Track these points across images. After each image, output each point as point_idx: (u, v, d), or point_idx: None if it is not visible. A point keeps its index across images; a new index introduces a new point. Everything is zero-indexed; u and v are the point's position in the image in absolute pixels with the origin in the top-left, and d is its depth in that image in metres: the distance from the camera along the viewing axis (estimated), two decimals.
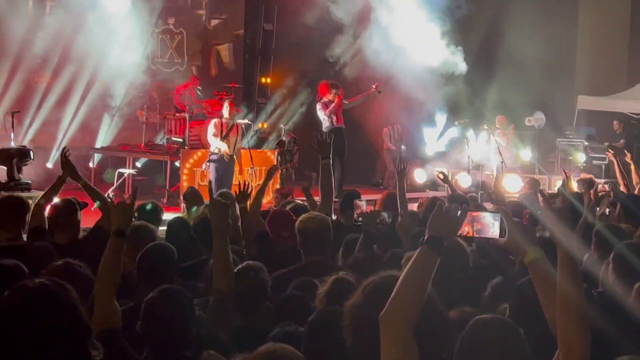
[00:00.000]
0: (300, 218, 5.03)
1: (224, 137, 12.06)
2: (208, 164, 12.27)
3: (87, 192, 5.81)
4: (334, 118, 13.48)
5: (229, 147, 12.10)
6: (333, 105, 13.41)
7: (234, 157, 12.29)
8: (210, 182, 11.32)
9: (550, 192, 10.72)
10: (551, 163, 17.03)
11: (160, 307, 3.40)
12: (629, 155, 10.06)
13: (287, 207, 6.56)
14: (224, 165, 12.08)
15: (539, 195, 3.01)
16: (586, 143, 17.44)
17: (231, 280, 3.88)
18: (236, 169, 12.48)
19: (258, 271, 4.14)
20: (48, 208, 5.65)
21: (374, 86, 14.02)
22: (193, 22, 17.75)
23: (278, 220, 5.63)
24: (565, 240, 2.75)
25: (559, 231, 2.77)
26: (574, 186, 9.63)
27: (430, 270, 2.60)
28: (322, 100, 13.59)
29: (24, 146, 10.91)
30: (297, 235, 4.95)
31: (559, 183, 13.47)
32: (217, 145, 12.03)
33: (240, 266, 4.13)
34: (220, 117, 12.35)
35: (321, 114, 13.50)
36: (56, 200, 5.98)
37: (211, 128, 12.11)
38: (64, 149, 6.18)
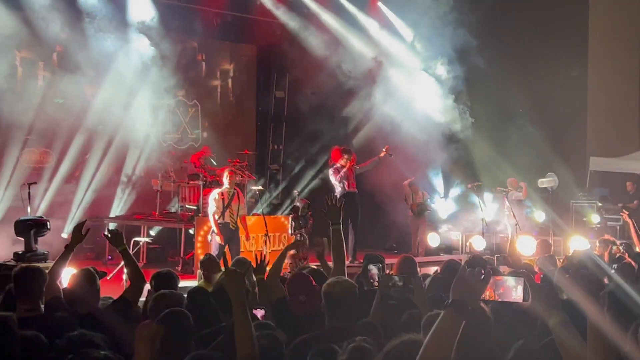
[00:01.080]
0: (328, 282, 5.00)
1: (226, 207, 12.10)
2: (211, 235, 12.24)
3: (123, 258, 5.83)
4: (346, 183, 13.63)
5: (232, 216, 12.14)
6: (344, 170, 13.55)
7: (238, 224, 12.29)
8: (220, 248, 11.58)
9: (565, 255, 10.66)
10: (565, 225, 16.98)
11: None
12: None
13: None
14: (230, 234, 12.09)
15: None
16: (600, 204, 17.41)
17: (254, 349, 3.86)
18: (242, 235, 12.50)
19: (274, 338, 4.12)
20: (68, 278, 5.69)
21: (384, 149, 14.13)
22: (208, 94, 17.92)
23: (296, 284, 5.61)
24: (584, 304, 2.76)
25: (577, 295, 2.79)
26: (597, 248, 9.64)
27: (454, 334, 2.60)
28: (334, 166, 13.74)
29: (41, 217, 10.98)
30: (323, 298, 4.93)
31: (572, 244, 13.42)
32: (218, 214, 12.02)
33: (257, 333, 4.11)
34: (221, 187, 12.40)
35: (333, 180, 13.68)
36: (74, 270, 6.01)
37: (212, 204, 12.11)
38: (84, 222, 6.23)
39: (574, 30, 18.96)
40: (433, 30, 17.24)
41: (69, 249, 6.00)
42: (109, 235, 5.90)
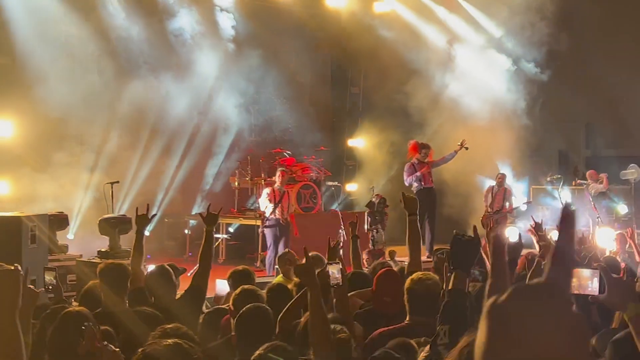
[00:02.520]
0: (412, 277, 5.02)
1: (277, 204, 12.68)
2: (262, 229, 12.95)
3: (205, 237, 5.96)
4: (422, 180, 13.60)
5: (282, 212, 12.72)
6: (417, 175, 13.59)
7: (288, 220, 12.90)
8: (272, 242, 12.29)
9: None
10: None
11: None
12: None
13: (379, 268, 6.62)
14: (280, 230, 12.66)
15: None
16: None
17: (329, 343, 3.93)
18: (291, 232, 13.11)
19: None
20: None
21: (459, 144, 14.07)
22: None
23: (386, 283, 5.58)
24: None
25: None
26: None
27: None
28: (411, 161, 13.74)
29: (124, 215, 11.29)
30: (405, 294, 4.95)
31: None
32: (269, 210, 12.70)
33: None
34: (272, 185, 13.08)
35: (405, 177, 13.68)
36: (152, 267, 6.23)
37: (264, 197, 12.90)
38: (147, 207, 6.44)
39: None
40: (512, 22, 17.07)
41: (139, 234, 6.22)
42: (205, 214, 6.06)
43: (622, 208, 16.31)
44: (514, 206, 15.89)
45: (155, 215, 6.30)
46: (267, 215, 12.71)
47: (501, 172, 16.03)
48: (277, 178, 13.04)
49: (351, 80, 18.84)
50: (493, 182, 16.01)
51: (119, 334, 4.44)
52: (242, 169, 15.42)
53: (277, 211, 12.72)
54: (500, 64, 17.65)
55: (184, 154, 15.32)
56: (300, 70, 17.50)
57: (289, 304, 5.18)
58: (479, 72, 17.52)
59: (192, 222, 15.09)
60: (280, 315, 5.07)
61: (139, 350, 3.12)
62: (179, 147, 15.25)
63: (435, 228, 13.80)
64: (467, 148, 14.10)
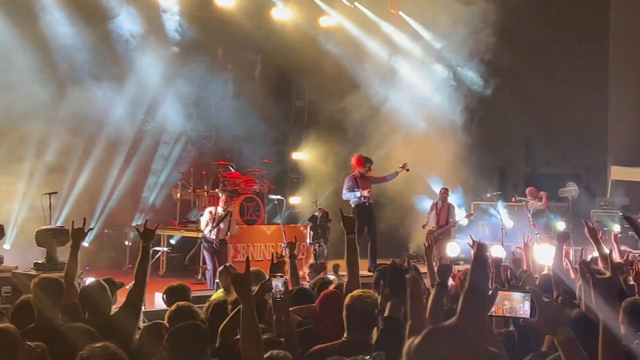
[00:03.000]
0: (352, 294, 5.02)
1: (214, 226, 12.86)
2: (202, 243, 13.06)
3: (141, 254, 5.88)
4: (362, 193, 13.72)
5: (219, 233, 12.90)
6: (356, 194, 13.80)
7: (225, 242, 13.08)
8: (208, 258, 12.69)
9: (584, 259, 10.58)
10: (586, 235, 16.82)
11: None
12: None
13: (319, 283, 6.63)
14: (213, 251, 12.91)
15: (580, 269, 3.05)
16: (621, 214, 17.27)
17: (260, 353, 3.91)
18: (230, 254, 13.37)
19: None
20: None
21: (401, 166, 14.24)
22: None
23: (329, 304, 5.55)
24: (605, 315, 2.76)
25: (599, 305, 2.79)
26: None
27: None
28: (353, 174, 13.81)
29: (62, 226, 11.06)
30: (344, 310, 4.95)
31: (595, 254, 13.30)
32: (207, 230, 12.90)
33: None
34: (215, 207, 13.21)
35: (344, 192, 13.75)
36: (89, 280, 6.15)
37: (205, 217, 13.09)
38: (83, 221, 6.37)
39: (594, 39, 18.90)
40: (455, 35, 17.35)
41: (74, 248, 6.16)
42: (142, 229, 5.98)
43: (560, 225, 16.64)
44: (456, 220, 16.11)
45: (91, 229, 6.21)
46: (205, 234, 12.85)
47: (444, 187, 16.19)
48: (221, 202, 13.09)
49: (296, 93, 18.87)
50: (428, 199, 16.24)
51: (52, 350, 4.35)
52: (184, 181, 15.30)
53: (213, 232, 12.85)
54: (441, 77, 17.92)
55: (125, 163, 15.12)
56: (245, 81, 17.45)
57: (227, 317, 5.15)
58: (421, 86, 17.79)
59: (132, 233, 14.87)
60: (220, 329, 5.04)
61: None
62: (120, 157, 15.04)
63: (377, 242, 13.88)
64: (408, 170, 14.28)
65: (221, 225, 12.90)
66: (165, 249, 14.43)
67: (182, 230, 14.83)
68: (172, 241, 14.99)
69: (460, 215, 16.57)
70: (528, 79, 18.10)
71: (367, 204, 13.88)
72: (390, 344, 3.48)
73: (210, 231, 12.80)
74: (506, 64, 17.37)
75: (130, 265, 13.85)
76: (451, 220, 15.95)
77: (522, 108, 17.94)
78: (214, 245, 12.85)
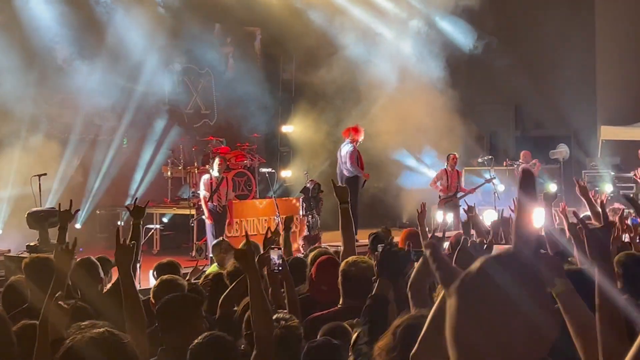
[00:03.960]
0: (347, 260, 5.03)
1: (213, 192, 12.73)
2: (195, 218, 13.20)
3: (132, 231, 5.87)
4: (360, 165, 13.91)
5: (219, 199, 12.75)
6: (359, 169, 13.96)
7: (225, 208, 12.97)
8: (211, 229, 12.55)
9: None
10: (577, 195, 16.86)
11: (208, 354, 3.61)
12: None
13: (313, 254, 6.61)
14: (217, 217, 12.76)
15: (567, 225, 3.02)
16: (612, 173, 17.32)
17: (270, 325, 3.92)
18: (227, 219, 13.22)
19: (288, 321, 4.17)
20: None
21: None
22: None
23: (325, 271, 5.56)
24: (600, 267, 2.74)
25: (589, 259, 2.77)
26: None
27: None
28: (355, 147, 13.89)
29: (53, 207, 10.99)
30: (340, 276, 4.95)
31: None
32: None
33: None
34: (209, 172, 13.08)
35: (348, 161, 13.83)
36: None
37: (202, 187, 12.90)
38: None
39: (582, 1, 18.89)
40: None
41: (61, 230, 6.09)
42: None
43: (552, 187, 16.66)
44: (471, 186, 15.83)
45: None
46: (207, 201, 12.73)
47: (452, 153, 15.76)
48: (215, 165, 12.94)
49: (282, 66, 18.74)
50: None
51: None
52: (174, 158, 15.23)
53: (214, 198, 12.73)
54: (427, 40, 17.81)
55: (116, 142, 15.02)
56: (234, 55, 17.33)
57: (228, 289, 5.15)
58: (406, 50, 17.68)
59: (124, 213, 14.78)
60: (220, 301, 5.03)
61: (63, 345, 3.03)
62: (108, 135, 14.94)
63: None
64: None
65: (220, 189, 12.84)
66: (159, 226, 14.37)
67: (174, 208, 14.77)
68: (165, 219, 14.94)
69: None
70: (517, 42, 18.04)
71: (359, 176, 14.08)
72: (374, 320, 3.52)
73: (211, 197, 12.72)
74: (494, 26, 17.32)
75: None
76: (459, 185, 15.69)
77: (510, 70, 17.87)
78: (217, 210, 12.77)
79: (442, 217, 15.16)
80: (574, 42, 18.39)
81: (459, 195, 15.19)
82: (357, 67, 17.06)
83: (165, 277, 5.31)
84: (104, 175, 14.77)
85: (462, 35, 17.87)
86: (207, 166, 14.38)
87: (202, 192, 12.86)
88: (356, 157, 14.00)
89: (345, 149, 14.10)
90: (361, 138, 14.15)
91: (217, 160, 13.03)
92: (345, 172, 13.94)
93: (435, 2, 17.42)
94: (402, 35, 17.78)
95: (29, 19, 13.69)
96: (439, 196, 15.24)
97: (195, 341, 3.73)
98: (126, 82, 14.97)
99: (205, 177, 12.99)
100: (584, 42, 18.73)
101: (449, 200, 15.14)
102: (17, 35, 13.41)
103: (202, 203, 12.85)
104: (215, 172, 12.88)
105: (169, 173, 15.05)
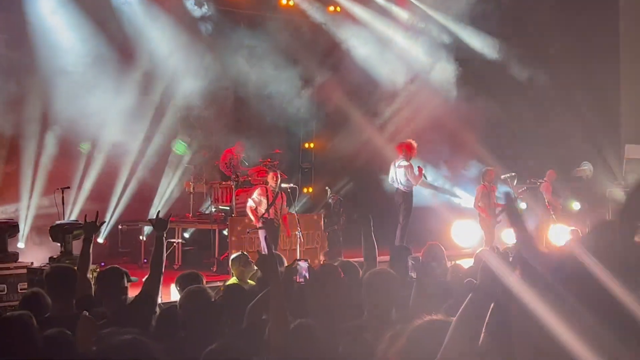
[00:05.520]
0: (371, 271, 5.09)
1: (270, 205, 12.46)
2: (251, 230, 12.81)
3: (155, 243, 5.87)
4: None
5: (276, 213, 12.54)
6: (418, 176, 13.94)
7: (280, 222, 12.74)
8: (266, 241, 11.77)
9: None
10: (602, 214, 16.72)
11: None
12: None
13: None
14: (273, 231, 12.48)
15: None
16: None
17: (287, 337, 3.90)
18: (282, 234, 12.96)
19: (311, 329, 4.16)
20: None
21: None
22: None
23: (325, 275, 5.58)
24: None
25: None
26: None
27: (483, 315, 2.59)
28: (409, 161, 13.97)
29: (76, 220, 11.06)
30: (363, 287, 4.97)
31: None
32: (263, 209, 12.45)
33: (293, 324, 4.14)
34: (265, 184, 12.82)
35: (409, 175, 13.93)
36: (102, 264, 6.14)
37: (256, 197, 12.57)
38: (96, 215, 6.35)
39: (605, 12, 18.78)
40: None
41: (86, 241, 6.13)
42: (155, 219, 5.96)
43: (575, 205, 16.54)
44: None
45: (104, 222, 6.20)
46: (261, 212, 12.48)
47: (488, 167, 15.40)
48: (271, 179, 12.72)
49: (303, 82, 18.77)
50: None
51: None
52: (196, 173, 15.27)
53: (271, 211, 12.52)
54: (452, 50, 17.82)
55: (140, 155, 15.07)
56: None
57: (255, 299, 5.14)
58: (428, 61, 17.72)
59: (147, 228, 14.86)
60: (247, 310, 5.03)
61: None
62: (132, 150, 14.98)
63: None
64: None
65: (276, 202, 12.59)
66: (180, 240, 14.39)
67: (196, 223, 14.80)
68: (186, 234, 14.97)
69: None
70: (539, 57, 18.00)
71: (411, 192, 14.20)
72: None
73: (268, 210, 12.47)
74: (514, 38, 17.34)
75: (145, 260, 13.83)
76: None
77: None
78: (275, 223, 12.56)
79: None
80: (599, 61, 18.27)
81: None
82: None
83: (193, 286, 5.31)
84: (127, 190, 14.81)
85: (485, 47, 17.86)
86: (229, 182, 14.44)
87: (253, 203, 12.54)
88: (412, 171, 13.95)
89: (400, 165, 14.05)
90: (414, 154, 14.09)
91: (271, 175, 12.80)
92: (402, 188, 13.96)
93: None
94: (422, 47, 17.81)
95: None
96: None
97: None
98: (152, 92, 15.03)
99: (259, 190, 12.71)
100: (608, 58, 18.63)
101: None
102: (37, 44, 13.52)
103: (249, 212, 12.55)
104: (271, 184, 12.63)
105: (191, 188, 15.09)
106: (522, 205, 15.72)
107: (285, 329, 3.93)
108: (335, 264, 6.38)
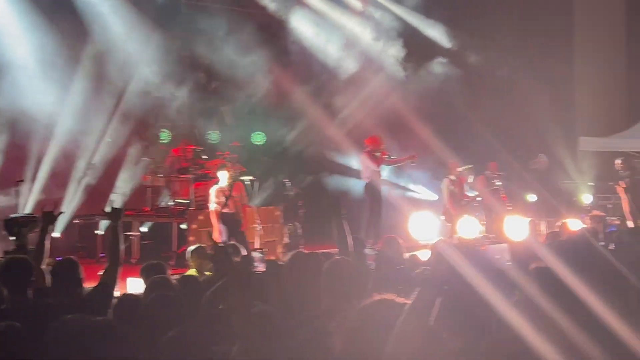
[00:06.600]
0: (330, 261, 5.07)
1: (228, 198, 12.29)
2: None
3: (111, 234, 5.81)
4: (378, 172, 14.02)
5: (237, 206, 12.40)
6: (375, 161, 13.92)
7: (241, 215, 12.57)
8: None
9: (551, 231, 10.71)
10: (556, 206, 17.00)
11: None
12: None
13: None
14: (235, 224, 12.32)
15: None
16: (590, 184, 17.48)
17: (249, 323, 3.91)
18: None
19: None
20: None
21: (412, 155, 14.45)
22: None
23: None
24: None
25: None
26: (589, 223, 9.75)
27: (433, 301, 2.67)
28: (370, 152, 13.92)
29: (31, 214, 10.92)
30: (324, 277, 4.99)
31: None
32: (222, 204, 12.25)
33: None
34: (218, 183, 12.57)
35: (370, 165, 13.91)
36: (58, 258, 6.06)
37: (212, 200, 12.34)
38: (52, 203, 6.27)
39: (559, 7, 19.07)
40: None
41: (43, 232, 6.05)
42: (110, 209, 5.89)
43: (531, 197, 16.78)
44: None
45: (62, 212, 6.10)
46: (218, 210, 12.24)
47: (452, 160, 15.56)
48: (222, 176, 12.50)
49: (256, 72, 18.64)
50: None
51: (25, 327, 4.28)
52: (154, 166, 15.14)
53: (230, 204, 12.30)
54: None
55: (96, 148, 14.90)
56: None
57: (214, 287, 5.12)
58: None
59: (103, 222, 14.70)
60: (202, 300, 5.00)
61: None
62: (89, 144, 14.79)
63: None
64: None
65: (233, 194, 12.35)
66: (137, 233, 14.26)
67: (154, 217, 14.68)
68: (144, 228, 14.83)
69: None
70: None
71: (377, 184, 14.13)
72: None
73: (226, 203, 12.23)
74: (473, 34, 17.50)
75: (102, 255, 13.68)
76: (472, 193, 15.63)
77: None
78: (236, 216, 12.33)
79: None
80: (553, 54, 18.53)
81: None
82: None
83: (157, 276, 5.29)
84: (82, 183, 14.63)
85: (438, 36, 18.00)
86: (187, 175, 14.32)
87: (213, 205, 12.27)
88: (368, 158, 13.96)
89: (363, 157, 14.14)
90: (378, 150, 14.07)
91: (224, 171, 12.57)
92: (364, 180, 14.01)
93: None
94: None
95: None
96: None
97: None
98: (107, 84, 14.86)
99: (214, 188, 12.48)
100: (563, 55, 18.92)
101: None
102: None
103: (213, 218, 12.26)
104: (224, 183, 12.41)
105: (149, 181, 14.95)
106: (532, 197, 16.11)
107: (246, 315, 3.93)
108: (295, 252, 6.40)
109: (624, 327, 2.84)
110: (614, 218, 12.59)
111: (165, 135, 15.77)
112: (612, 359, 2.80)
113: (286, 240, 13.75)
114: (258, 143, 16.85)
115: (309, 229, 15.47)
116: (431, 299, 2.70)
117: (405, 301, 2.82)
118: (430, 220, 15.67)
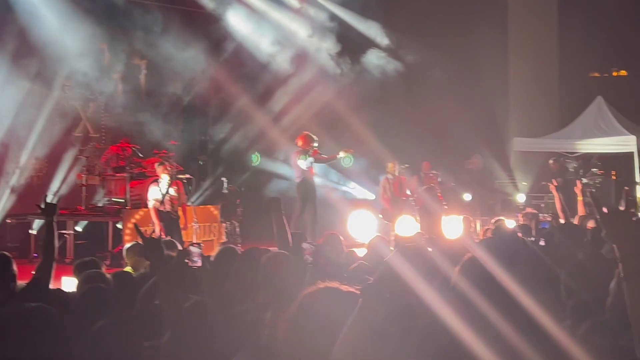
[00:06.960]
0: (267, 255, 5.06)
1: (164, 195, 12.19)
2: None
3: (45, 229, 5.64)
4: (310, 169, 13.78)
5: (172, 205, 12.27)
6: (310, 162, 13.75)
7: (178, 213, 12.46)
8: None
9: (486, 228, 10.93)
10: (491, 205, 17.31)
11: None
12: (579, 184, 9.88)
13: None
14: (171, 222, 12.21)
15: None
16: (524, 183, 17.84)
17: (181, 316, 3.87)
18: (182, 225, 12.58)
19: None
20: None
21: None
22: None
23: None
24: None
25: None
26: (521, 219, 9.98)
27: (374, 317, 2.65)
28: (299, 150, 13.77)
29: None
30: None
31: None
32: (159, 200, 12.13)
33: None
34: (157, 181, 12.45)
35: (299, 163, 13.73)
36: None
37: (151, 199, 12.23)
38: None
39: (494, 10, 19.40)
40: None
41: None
42: (44, 205, 5.69)
43: (466, 196, 17.03)
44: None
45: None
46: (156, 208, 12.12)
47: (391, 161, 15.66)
48: (162, 173, 12.37)
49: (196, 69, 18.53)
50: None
51: None
52: (89, 165, 14.89)
53: (166, 203, 12.20)
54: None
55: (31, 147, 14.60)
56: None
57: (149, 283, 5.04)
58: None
59: (37, 222, 14.41)
60: (139, 296, 4.94)
61: None
62: (22, 142, 14.48)
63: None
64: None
65: (172, 192, 12.27)
66: (72, 232, 14.00)
67: (89, 216, 14.43)
68: (78, 227, 14.57)
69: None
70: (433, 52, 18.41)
71: (312, 180, 13.96)
72: None
73: (162, 201, 12.13)
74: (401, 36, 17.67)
75: (36, 255, 13.42)
76: (409, 192, 15.71)
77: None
78: (172, 214, 12.23)
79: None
80: (487, 55, 18.83)
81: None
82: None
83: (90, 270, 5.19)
84: (13, 182, 14.33)
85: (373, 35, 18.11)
86: (123, 174, 14.13)
87: (152, 203, 12.16)
88: (296, 156, 13.91)
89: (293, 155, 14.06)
90: (310, 147, 13.83)
91: (161, 169, 12.43)
92: (296, 178, 13.94)
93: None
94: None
95: None
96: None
97: None
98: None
99: (154, 188, 12.36)
100: (497, 57, 19.26)
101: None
102: None
103: (153, 215, 12.12)
104: (165, 181, 12.28)
105: (84, 180, 14.70)
106: (467, 197, 16.28)
107: (177, 308, 3.89)
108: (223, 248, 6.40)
109: (550, 320, 2.90)
110: (546, 215, 12.87)
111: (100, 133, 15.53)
112: (539, 350, 2.85)
113: (224, 238, 13.67)
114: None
115: (247, 227, 15.45)
116: (374, 308, 2.67)
117: (349, 289, 2.81)
118: (368, 219, 15.78)
